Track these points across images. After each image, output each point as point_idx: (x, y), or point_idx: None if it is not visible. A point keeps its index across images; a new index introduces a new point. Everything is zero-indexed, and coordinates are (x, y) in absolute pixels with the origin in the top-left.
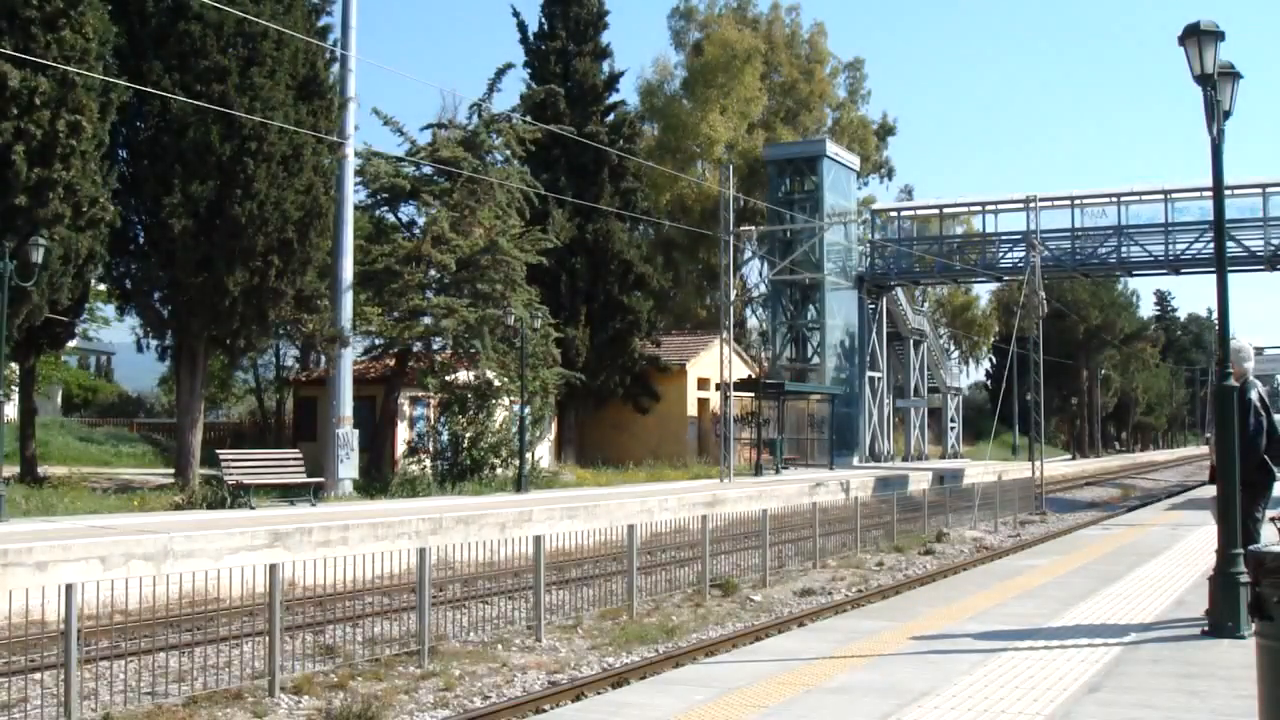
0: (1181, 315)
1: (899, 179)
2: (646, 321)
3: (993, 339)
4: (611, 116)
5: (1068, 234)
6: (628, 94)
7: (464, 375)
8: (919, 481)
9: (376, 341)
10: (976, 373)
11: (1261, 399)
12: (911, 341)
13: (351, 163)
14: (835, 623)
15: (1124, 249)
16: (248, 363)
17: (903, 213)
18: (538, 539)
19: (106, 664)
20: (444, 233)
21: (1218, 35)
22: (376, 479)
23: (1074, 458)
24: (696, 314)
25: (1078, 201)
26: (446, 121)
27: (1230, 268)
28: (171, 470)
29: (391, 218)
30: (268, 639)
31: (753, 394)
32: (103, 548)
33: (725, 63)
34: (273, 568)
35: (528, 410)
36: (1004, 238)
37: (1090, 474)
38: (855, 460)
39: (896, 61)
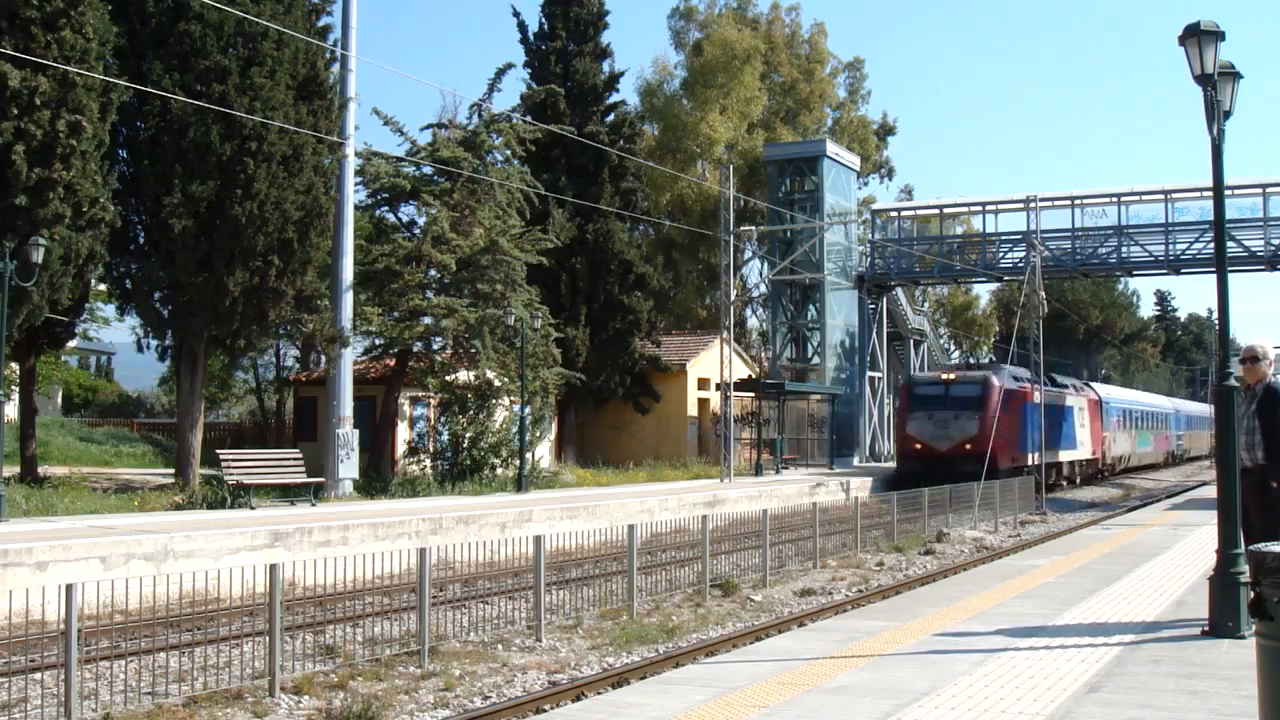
0: (1181, 315)
1: (899, 179)
2: (646, 321)
3: (993, 339)
4: (611, 116)
5: (1068, 234)
6: (628, 94)
7: (464, 375)
8: None
9: (376, 341)
10: None
11: None
12: (912, 341)
13: (351, 163)
14: (835, 623)
15: (1124, 249)
16: (248, 363)
17: (903, 213)
18: (538, 539)
19: (106, 664)
20: (444, 233)
21: (1218, 35)
22: (376, 479)
23: None
24: (696, 314)
25: (1078, 201)
26: (446, 122)
27: (1230, 268)
28: (172, 470)
29: (391, 218)
30: (268, 639)
31: (753, 394)
32: (103, 548)
33: (725, 63)
34: (273, 568)
35: (528, 410)
36: (1004, 238)
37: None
38: (855, 460)
39: (896, 61)
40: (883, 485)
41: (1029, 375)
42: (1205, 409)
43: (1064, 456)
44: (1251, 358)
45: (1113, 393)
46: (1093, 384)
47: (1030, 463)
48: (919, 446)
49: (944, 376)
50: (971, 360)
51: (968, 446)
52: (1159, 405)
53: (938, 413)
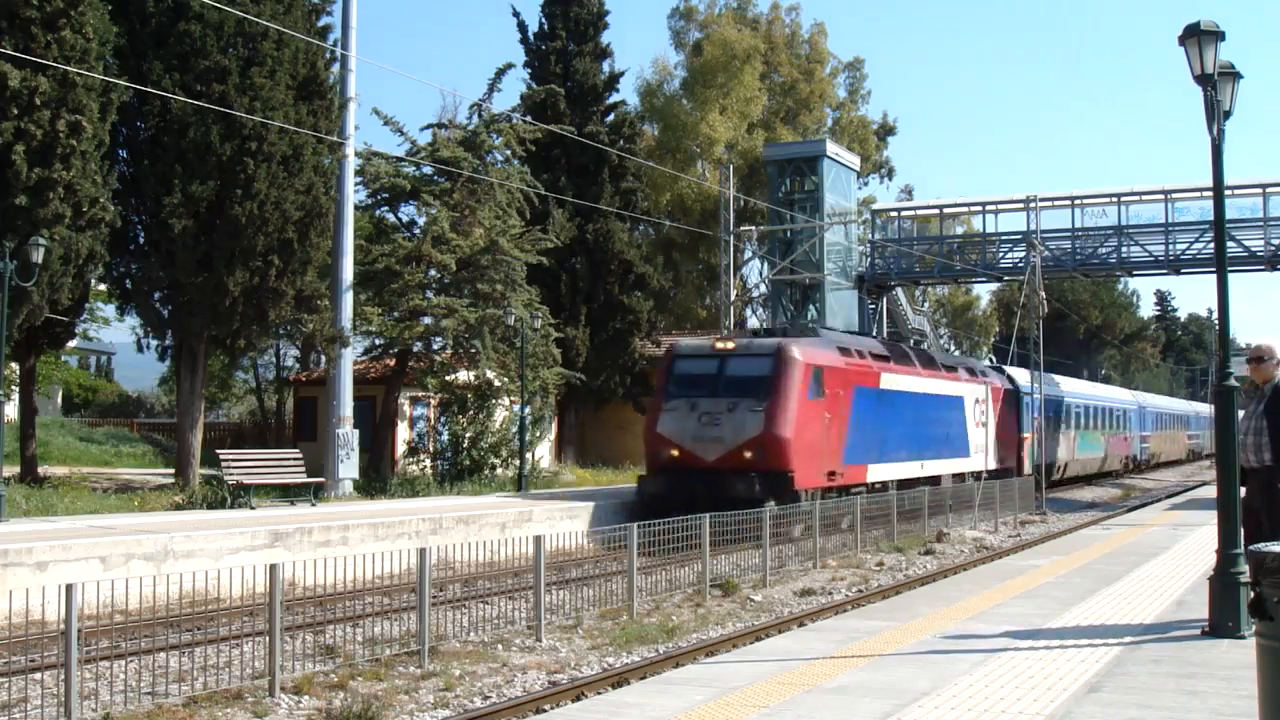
0: (1181, 315)
1: (899, 179)
2: (646, 321)
3: (993, 339)
4: (611, 116)
5: (1068, 234)
6: (627, 94)
7: (464, 375)
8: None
9: (376, 341)
10: None
11: None
12: (912, 341)
13: (351, 163)
14: (835, 623)
15: (1124, 249)
16: (248, 363)
17: (903, 213)
18: (538, 539)
19: (106, 664)
20: (444, 233)
21: (1218, 35)
22: (376, 479)
23: None
24: (696, 314)
25: (1078, 201)
26: (446, 121)
27: (1230, 268)
28: (172, 470)
29: (391, 218)
30: (268, 639)
31: None
32: (103, 548)
33: (725, 63)
34: (273, 568)
35: (528, 410)
36: (1004, 238)
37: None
38: None
39: (896, 61)
40: (626, 513)
41: (879, 349)
42: (1181, 406)
43: (943, 467)
44: (1258, 358)
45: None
46: (1008, 368)
47: (867, 480)
48: (675, 453)
49: (719, 345)
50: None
51: (747, 455)
52: (1114, 399)
53: (706, 401)
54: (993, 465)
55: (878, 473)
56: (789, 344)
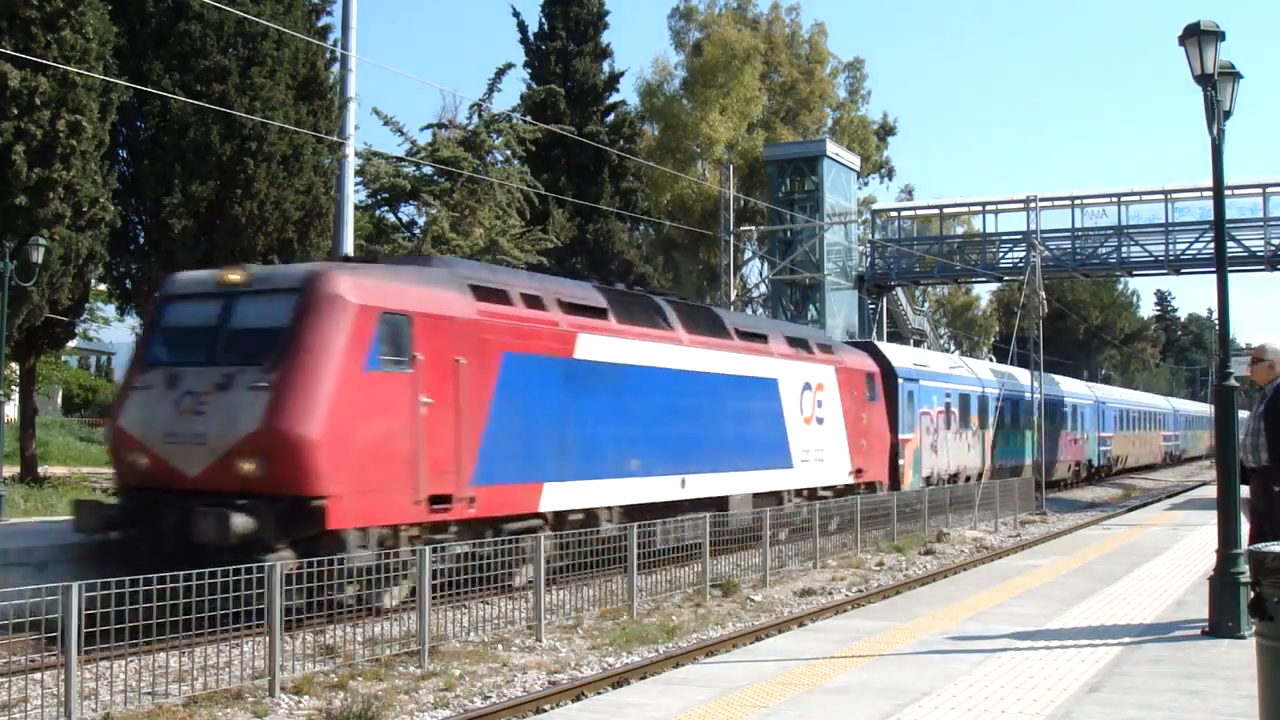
0: (1182, 315)
1: (899, 179)
2: None
3: (993, 339)
4: (612, 116)
5: (1068, 234)
6: (628, 94)
7: None
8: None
9: None
10: None
11: None
12: (912, 342)
13: (352, 163)
14: (835, 623)
15: (1124, 249)
16: None
17: (903, 213)
18: (538, 538)
19: (106, 664)
20: (444, 233)
21: (1218, 35)
22: None
23: None
24: None
25: (1078, 201)
26: (446, 121)
27: (1230, 268)
28: None
29: (391, 218)
30: (268, 639)
31: None
32: None
33: (725, 63)
34: (272, 567)
35: None
36: (1004, 238)
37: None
38: None
39: (896, 61)
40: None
41: (586, 296)
42: (1155, 403)
43: (733, 484)
44: (1259, 359)
45: (933, 362)
46: (883, 343)
47: (541, 508)
48: (145, 462)
49: (227, 277)
50: (971, 359)
51: (245, 467)
52: (1059, 391)
53: (194, 372)
54: (843, 478)
55: (570, 495)
56: (328, 271)
